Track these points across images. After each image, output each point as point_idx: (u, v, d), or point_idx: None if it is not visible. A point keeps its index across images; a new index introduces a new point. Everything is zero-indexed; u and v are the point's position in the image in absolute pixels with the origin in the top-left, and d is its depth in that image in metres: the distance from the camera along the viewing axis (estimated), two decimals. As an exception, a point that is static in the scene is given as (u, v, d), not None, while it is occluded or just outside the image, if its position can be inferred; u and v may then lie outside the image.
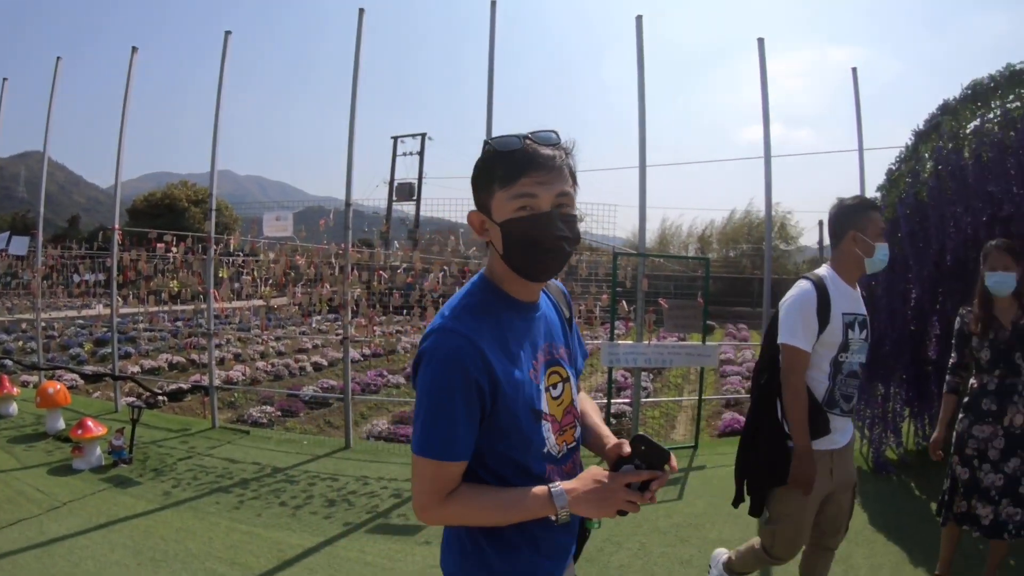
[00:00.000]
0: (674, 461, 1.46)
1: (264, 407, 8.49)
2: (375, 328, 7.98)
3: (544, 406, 1.52)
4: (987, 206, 5.15)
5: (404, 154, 33.17)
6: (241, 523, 4.80)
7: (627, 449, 1.49)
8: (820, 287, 2.85)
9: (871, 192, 6.19)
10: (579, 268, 8.70)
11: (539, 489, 1.44)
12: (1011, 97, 4.92)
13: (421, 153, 32.91)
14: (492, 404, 1.42)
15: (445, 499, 1.44)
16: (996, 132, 4.91)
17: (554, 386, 1.57)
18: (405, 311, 8.38)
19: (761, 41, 7.09)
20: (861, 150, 7.34)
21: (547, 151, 1.41)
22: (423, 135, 33.28)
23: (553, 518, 1.44)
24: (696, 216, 46.58)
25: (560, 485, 1.45)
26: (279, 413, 8.46)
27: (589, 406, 1.81)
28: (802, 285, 2.92)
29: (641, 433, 1.51)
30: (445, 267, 7.45)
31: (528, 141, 1.42)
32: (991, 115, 5.06)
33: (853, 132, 7.56)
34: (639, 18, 6.86)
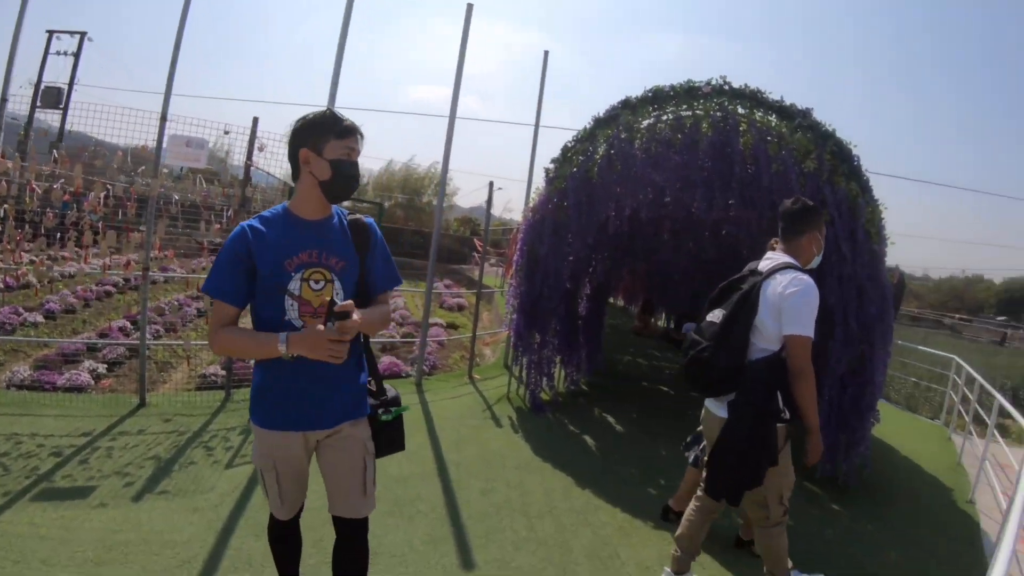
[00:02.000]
0: (356, 315, 2.14)
1: None
2: (23, 254, 6.40)
3: (295, 287, 2.22)
4: (648, 192, 6.13)
5: (58, 53, 26.56)
6: None
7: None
8: None
9: (545, 164, 6.89)
10: (254, 202, 8.08)
11: (272, 335, 2.16)
12: (684, 107, 5.91)
13: (77, 55, 26.65)
14: (253, 272, 2.20)
15: (219, 329, 2.22)
16: (666, 132, 5.87)
17: (315, 281, 2.25)
18: (60, 235, 6.85)
19: (470, 7, 7.38)
20: (538, 126, 8.10)
21: (359, 130, 2.30)
22: (83, 34, 26.97)
23: (283, 352, 2.14)
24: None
25: (286, 333, 2.15)
26: None
27: (378, 309, 2.43)
28: (806, 279, 2.96)
29: (331, 299, 2.19)
30: (109, 186, 6.29)
31: (354, 121, 2.29)
32: (665, 117, 6.02)
33: (513, 106, 8.35)
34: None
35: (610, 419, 7.08)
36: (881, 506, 5.37)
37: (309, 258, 2.24)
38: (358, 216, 2.44)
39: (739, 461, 3.02)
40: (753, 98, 5.65)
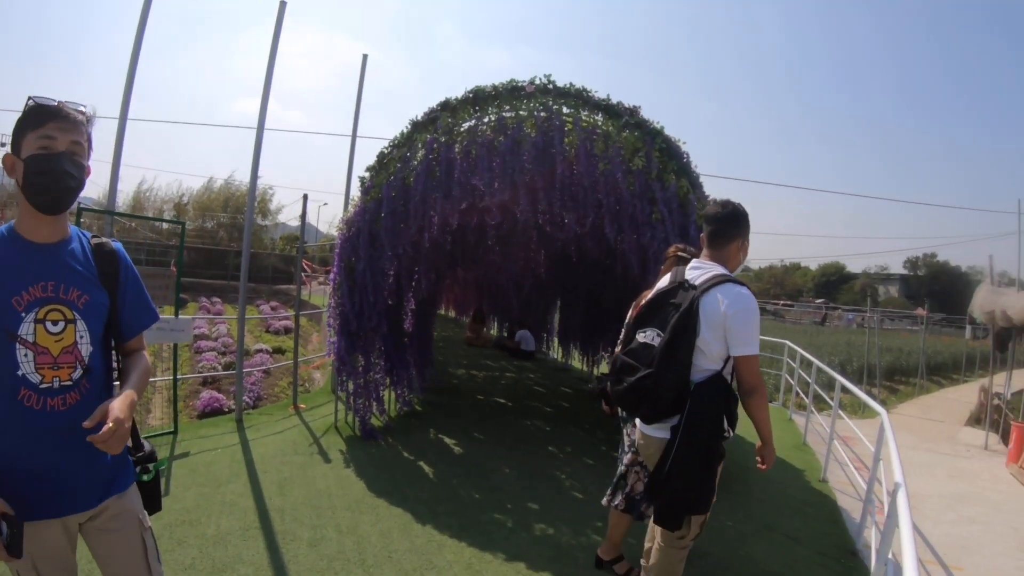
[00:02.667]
0: (115, 414, 1.67)
1: None
2: None
3: (27, 332, 1.73)
4: (468, 197, 5.83)
5: None
6: None
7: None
8: None
9: (360, 172, 6.44)
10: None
11: None
12: (508, 108, 5.66)
13: None
14: None
15: None
16: (488, 134, 5.58)
17: (53, 322, 1.78)
18: None
19: (283, 5, 6.71)
20: (355, 132, 7.59)
21: (70, 109, 1.78)
22: None
23: None
24: (176, 181, 42.91)
25: None
26: None
27: (136, 368, 1.98)
28: (747, 294, 2.77)
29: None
30: None
31: (61, 102, 1.78)
32: (487, 119, 5.74)
33: (341, 121, 7.83)
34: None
35: (447, 440, 6.67)
36: (739, 497, 5.44)
37: (44, 292, 1.78)
38: (103, 240, 1.99)
39: (690, 484, 2.82)
40: (579, 97, 5.55)
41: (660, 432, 2.93)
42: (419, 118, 5.97)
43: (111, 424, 1.64)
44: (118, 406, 1.70)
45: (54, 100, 1.78)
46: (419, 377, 8.23)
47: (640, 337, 2.94)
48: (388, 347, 7.00)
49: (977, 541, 5.37)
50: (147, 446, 2.14)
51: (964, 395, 15.71)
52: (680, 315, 2.78)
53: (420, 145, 5.96)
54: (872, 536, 4.30)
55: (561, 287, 11.73)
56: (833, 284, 72.77)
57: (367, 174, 6.30)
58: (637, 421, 3.12)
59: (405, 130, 6.08)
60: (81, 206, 6.01)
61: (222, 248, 31.77)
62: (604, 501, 3.90)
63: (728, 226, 2.97)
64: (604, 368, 10.97)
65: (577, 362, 12.20)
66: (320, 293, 17.38)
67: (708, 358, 2.80)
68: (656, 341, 2.83)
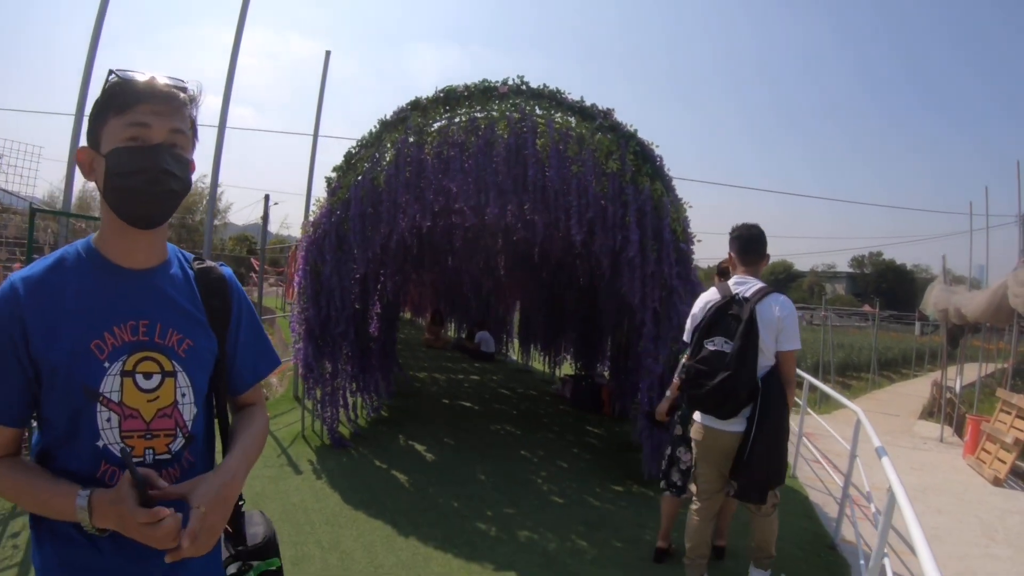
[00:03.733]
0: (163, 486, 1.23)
1: None
2: None
3: (111, 389, 1.27)
4: (439, 199, 5.71)
5: None
6: None
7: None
8: None
9: (326, 173, 6.27)
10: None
11: (69, 487, 1.22)
12: (479, 108, 5.56)
13: None
14: (32, 366, 1.24)
15: None
16: (459, 134, 5.48)
17: (146, 375, 1.31)
18: None
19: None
20: (317, 130, 7.39)
21: (169, 86, 1.31)
22: None
23: (83, 521, 1.20)
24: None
25: (89, 491, 1.20)
26: None
27: (247, 429, 1.50)
28: (788, 300, 3.44)
29: (129, 466, 1.18)
30: None
31: (153, 76, 1.31)
32: (458, 119, 5.62)
33: (296, 119, 7.65)
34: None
35: (418, 447, 6.53)
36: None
37: (134, 335, 1.32)
38: (209, 263, 1.50)
39: (770, 463, 3.36)
40: (552, 98, 5.49)
41: (735, 426, 3.39)
42: (388, 117, 5.81)
43: (194, 524, 1.19)
44: (206, 493, 1.24)
45: (145, 72, 1.31)
46: (385, 382, 8.06)
47: (709, 346, 3.44)
48: (355, 353, 6.82)
49: (946, 530, 5.54)
50: (255, 530, 1.60)
51: (915, 389, 16.27)
52: (744, 324, 3.32)
53: (389, 145, 5.81)
54: (852, 531, 4.38)
55: (521, 288, 11.69)
56: (782, 282, 74.64)
57: (334, 175, 6.12)
58: (705, 420, 3.52)
59: (374, 129, 5.92)
60: (33, 206, 5.67)
61: (176, 249, 30.85)
62: (661, 484, 4.28)
63: (759, 245, 3.58)
64: (567, 369, 10.97)
65: (538, 363, 12.16)
66: (272, 295, 16.87)
67: (766, 356, 3.36)
68: (727, 347, 3.36)
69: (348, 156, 6.09)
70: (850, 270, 79.47)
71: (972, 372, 13.34)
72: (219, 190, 33.35)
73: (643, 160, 5.29)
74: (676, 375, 4.10)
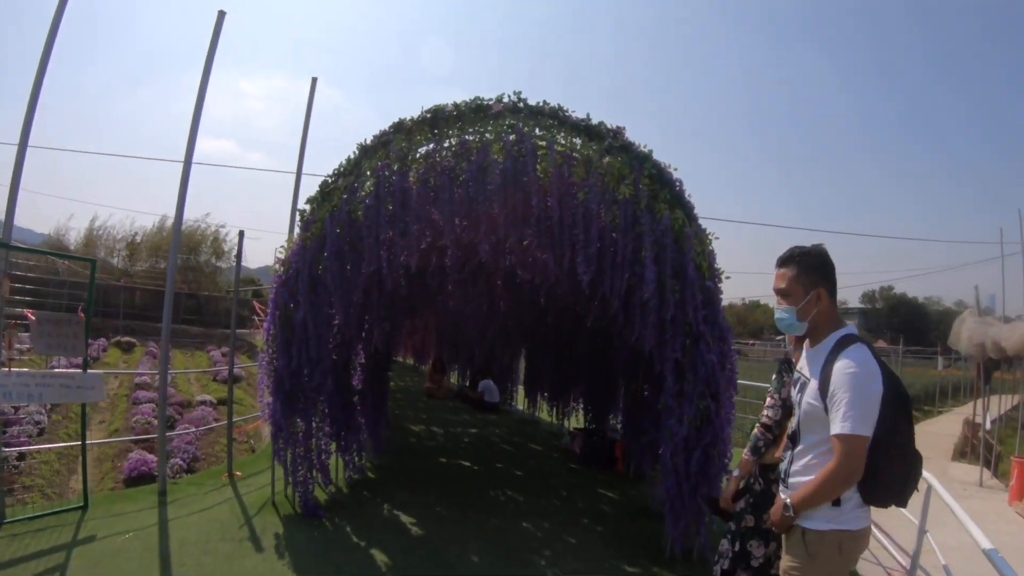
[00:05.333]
0: None
1: None
2: None
3: None
4: (428, 232, 4.99)
5: None
6: None
7: None
8: None
9: (300, 204, 5.59)
10: None
11: None
12: (471, 129, 4.86)
13: None
14: None
15: None
16: (449, 160, 4.77)
17: None
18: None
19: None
20: (301, 159, 6.78)
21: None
22: None
23: None
24: (128, 218, 41.46)
25: None
26: None
27: None
28: None
29: None
30: None
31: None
32: (447, 143, 4.93)
33: (308, 163, 7.02)
34: None
35: (404, 517, 5.65)
36: None
37: None
38: None
39: None
40: (554, 117, 4.80)
41: None
42: (368, 142, 5.12)
43: None
44: None
45: None
46: (372, 440, 7.23)
47: None
48: (334, 408, 6.02)
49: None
50: None
51: (943, 428, 15.25)
52: None
53: (369, 173, 5.12)
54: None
55: (527, 333, 10.89)
56: (793, 326, 73.54)
57: (307, 207, 5.42)
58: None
59: (352, 156, 5.24)
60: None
61: (178, 291, 30.34)
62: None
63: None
64: (576, 421, 10.10)
65: (545, 414, 11.27)
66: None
67: None
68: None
69: (323, 185, 5.41)
70: (861, 305, 78.08)
71: (993, 404, 12.45)
72: (224, 231, 33.12)
73: (660, 185, 4.55)
74: (747, 452, 3.29)
